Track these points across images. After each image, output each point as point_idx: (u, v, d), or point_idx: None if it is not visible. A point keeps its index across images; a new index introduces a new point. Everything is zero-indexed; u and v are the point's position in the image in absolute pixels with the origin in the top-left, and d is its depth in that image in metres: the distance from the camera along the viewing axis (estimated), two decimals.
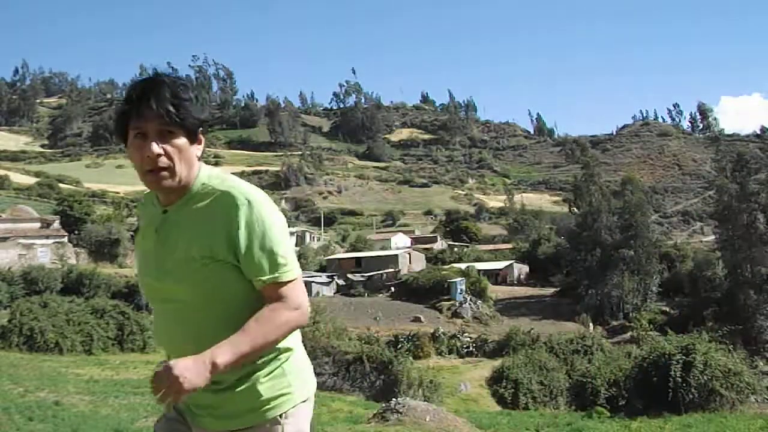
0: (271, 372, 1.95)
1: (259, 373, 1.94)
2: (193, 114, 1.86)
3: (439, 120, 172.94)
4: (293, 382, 1.99)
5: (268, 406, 1.95)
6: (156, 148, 1.82)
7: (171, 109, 1.81)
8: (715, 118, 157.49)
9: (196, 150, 1.92)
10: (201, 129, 1.93)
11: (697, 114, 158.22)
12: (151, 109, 1.80)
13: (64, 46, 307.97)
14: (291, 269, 1.89)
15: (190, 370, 1.72)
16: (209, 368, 1.74)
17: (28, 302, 27.09)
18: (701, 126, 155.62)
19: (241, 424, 1.95)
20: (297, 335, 2.04)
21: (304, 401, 2.03)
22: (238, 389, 1.93)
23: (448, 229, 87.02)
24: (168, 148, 1.83)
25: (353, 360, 24.14)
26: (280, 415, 1.97)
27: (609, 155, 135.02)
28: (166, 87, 1.83)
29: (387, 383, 22.89)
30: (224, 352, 1.77)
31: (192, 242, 1.86)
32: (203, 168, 1.94)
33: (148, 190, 2.00)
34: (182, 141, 1.86)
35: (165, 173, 1.84)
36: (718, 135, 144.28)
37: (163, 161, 1.83)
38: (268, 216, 1.87)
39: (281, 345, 1.95)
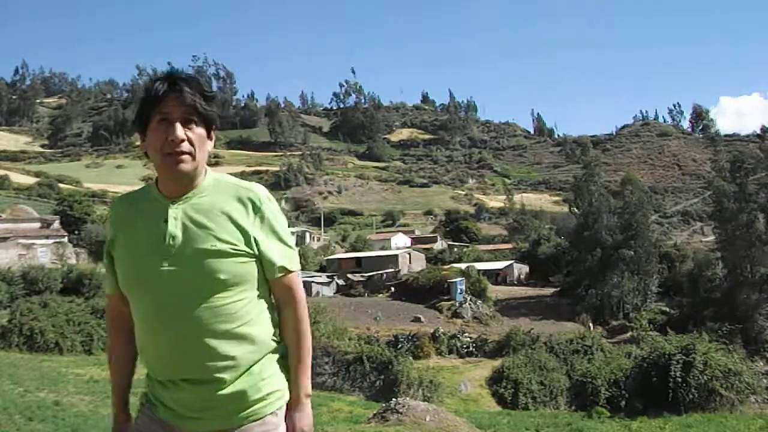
0: (270, 368, 2.01)
1: (261, 369, 1.98)
2: (215, 109, 1.99)
3: (439, 120, 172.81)
4: (284, 379, 2.06)
5: (267, 401, 1.99)
6: (180, 132, 1.91)
7: (198, 99, 1.94)
8: (711, 119, 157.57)
9: (209, 146, 2.01)
10: (214, 127, 2.02)
11: (695, 115, 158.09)
12: (180, 96, 1.92)
13: (64, 46, 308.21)
14: (297, 260, 2.07)
15: (309, 418, 2.06)
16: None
17: (28, 302, 27.04)
18: (701, 126, 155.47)
19: (242, 421, 1.96)
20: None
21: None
22: (242, 386, 1.94)
23: (448, 229, 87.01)
24: (190, 135, 1.94)
25: (353, 360, 24.12)
26: (276, 411, 2.01)
27: (609, 155, 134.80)
28: (194, 80, 1.97)
29: (387, 383, 22.89)
30: (307, 382, 2.06)
31: (210, 231, 1.93)
32: (207, 168, 2.06)
33: (127, 191, 2.14)
34: (203, 131, 1.97)
35: (186, 157, 1.92)
36: (714, 136, 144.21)
37: (186, 146, 1.92)
38: (279, 211, 2.05)
39: (276, 343, 2.04)
